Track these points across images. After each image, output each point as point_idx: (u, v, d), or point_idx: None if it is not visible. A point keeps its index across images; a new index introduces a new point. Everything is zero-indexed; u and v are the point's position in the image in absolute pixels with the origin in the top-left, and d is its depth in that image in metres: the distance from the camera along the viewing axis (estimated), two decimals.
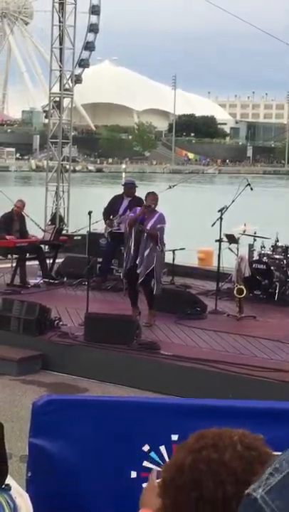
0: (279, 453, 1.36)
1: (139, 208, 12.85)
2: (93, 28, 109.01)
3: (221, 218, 14.11)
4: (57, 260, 16.98)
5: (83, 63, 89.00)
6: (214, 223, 14.25)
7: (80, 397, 8.33)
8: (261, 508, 1.02)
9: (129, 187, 15.72)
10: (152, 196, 13.00)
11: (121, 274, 13.27)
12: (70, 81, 22.23)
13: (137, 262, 12.49)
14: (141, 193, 14.22)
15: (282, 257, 15.25)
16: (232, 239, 14.87)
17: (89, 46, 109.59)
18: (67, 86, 22.06)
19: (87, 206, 14.72)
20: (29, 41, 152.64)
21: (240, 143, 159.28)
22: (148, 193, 13.16)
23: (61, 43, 21.70)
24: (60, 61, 21.76)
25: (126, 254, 12.89)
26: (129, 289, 13.02)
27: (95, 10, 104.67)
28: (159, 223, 12.57)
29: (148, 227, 12.51)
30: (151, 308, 12.74)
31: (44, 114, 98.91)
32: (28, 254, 16.16)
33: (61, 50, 21.76)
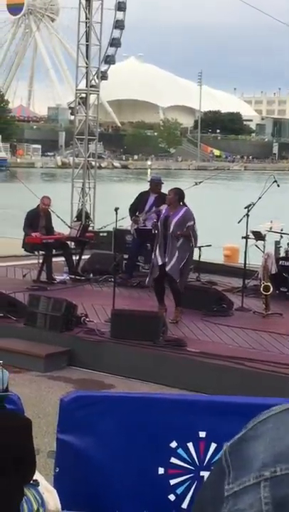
0: None
1: (165, 207, 12.81)
2: (119, 25, 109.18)
3: (247, 215, 14.07)
4: (83, 257, 17.00)
5: (109, 60, 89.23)
6: (241, 220, 14.21)
7: (107, 394, 8.35)
8: (220, 459, 1.06)
9: (156, 183, 15.73)
10: (171, 192, 12.96)
11: (148, 276, 13.19)
12: (96, 77, 22.25)
13: (166, 260, 12.45)
14: (167, 189, 14.21)
15: None
16: (258, 236, 14.82)
17: (115, 42, 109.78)
18: (93, 82, 22.07)
19: (112, 203, 14.73)
20: (55, 38, 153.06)
21: (265, 139, 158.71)
22: (169, 190, 13.15)
23: (87, 39, 21.72)
24: (87, 58, 21.77)
25: (153, 253, 12.84)
26: (156, 286, 13.01)
27: (120, 6, 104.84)
28: (186, 220, 12.51)
29: (173, 223, 12.47)
30: (178, 305, 12.73)
31: (70, 111, 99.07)
32: (54, 251, 16.19)
33: (87, 46, 21.77)
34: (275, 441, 1.00)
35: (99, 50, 22.49)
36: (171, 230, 12.44)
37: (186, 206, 12.73)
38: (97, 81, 22.32)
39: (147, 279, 13.20)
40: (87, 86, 21.97)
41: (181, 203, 12.76)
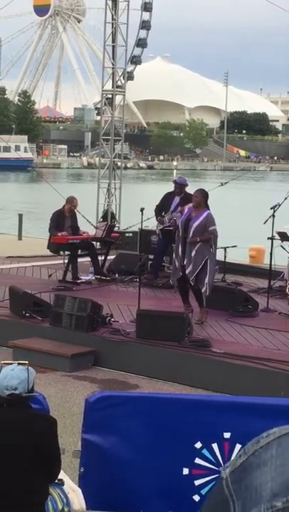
0: None
1: (188, 207, 12.78)
2: (145, 25, 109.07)
3: (273, 216, 14.03)
4: (108, 257, 17.03)
5: (135, 60, 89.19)
6: (266, 221, 14.17)
7: (132, 394, 8.37)
8: (222, 487, 1.01)
9: (179, 186, 15.70)
10: (198, 193, 12.91)
11: (171, 277, 13.18)
12: (122, 78, 22.28)
13: (185, 263, 12.45)
14: (192, 190, 14.19)
15: None
16: (284, 236, 14.78)
17: (141, 43, 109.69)
18: (119, 83, 22.11)
19: (138, 203, 14.74)
20: (81, 39, 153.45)
21: None
22: (195, 191, 13.11)
23: (114, 40, 21.76)
24: (113, 58, 21.82)
25: (175, 256, 12.84)
26: (180, 287, 13.00)
27: (147, 7, 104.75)
28: (208, 225, 12.46)
29: (193, 228, 12.43)
30: (202, 306, 12.72)
31: (96, 112, 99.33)
32: (79, 251, 16.23)
33: (114, 47, 21.81)
34: (281, 469, 0.97)
35: (125, 51, 22.52)
36: (191, 233, 12.41)
37: (209, 210, 12.69)
38: (123, 81, 22.36)
39: (171, 279, 13.20)
40: (113, 86, 22.01)
41: (205, 205, 12.73)
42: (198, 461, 5.95)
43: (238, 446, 5.91)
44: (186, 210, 12.71)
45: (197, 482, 5.95)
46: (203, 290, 12.45)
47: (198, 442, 5.95)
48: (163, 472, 5.98)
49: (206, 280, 12.46)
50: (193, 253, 12.39)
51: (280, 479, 0.96)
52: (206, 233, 12.41)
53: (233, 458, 1.02)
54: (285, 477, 0.96)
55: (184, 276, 12.58)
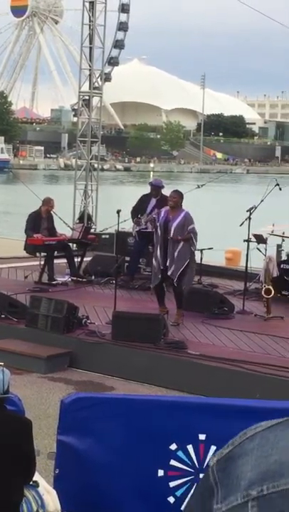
0: None
1: (164, 210, 12.81)
2: (123, 27, 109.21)
3: (249, 218, 14.08)
4: (85, 259, 17.03)
5: (113, 61, 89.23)
6: (243, 223, 14.22)
7: (108, 395, 8.36)
8: (209, 474, 1.04)
9: (155, 189, 15.73)
10: (173, 195, 12.96)
11: (152, 279, 13.18)
12: (99, 80, 22.27)
13: (167, 265, 12.46)
14: (168, 192, 14.20)
15: None
16: (260, 239, 14.83)
17: (118, 44, 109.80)
18: (96, 85, 22.10)
19: (115, 205, 14.75)
20: (59, 40, 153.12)
21: (268, 143, 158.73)
22: (171, 193, 13.16)
23: (91, 41, 21.74)
24: (90, 60, 21.80)
25: (154, 258, 12.84)
26: (156, 289, 13.02)
27: (124, 8, 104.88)
28: (187, 224, 12.51)
29: (173, 227, 12.47)
30: (179, 308, 12.74)
31: (73, 113, 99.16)
32: (56, 252, 16.21)
33: (91, 48, 21.79)
34: (260, 459, 0.99)
35: (102, 53, 22.51)
36: (171, 234, 12.45)
37: (185, 209, 12.74)
38: (100, 83, 22.35)
39: (152, 283, 13.19)
40: (90, 88, 21.99)
41: (181, 206, 12.78)
42: (173, 462, 5.96)
43: (213, 448, 5.93)
44: (162, 213, 12.72)
45: (172, 484, 5.96)
46: (184, 291, 12.50)
47: (174, 444, 5.96)
48: (138, 474, 5.98)
49: (185, 280, 12.51)
50: (176, 254, 12.41)
51: (258, 469, 0.98)
52: (186, 232, 12.44)
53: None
54: (262, 468, 0.98)
55: (163, 278, 12.60)
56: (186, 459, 5.95)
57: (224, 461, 1.02)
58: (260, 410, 5.87)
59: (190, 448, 5.94)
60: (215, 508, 0.99)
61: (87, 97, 22.21)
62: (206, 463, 5.93)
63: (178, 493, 5.97)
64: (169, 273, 12.42)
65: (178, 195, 12.89)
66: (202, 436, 5.95)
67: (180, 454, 5.95)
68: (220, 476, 1.01)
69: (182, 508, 5.91)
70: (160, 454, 5.98)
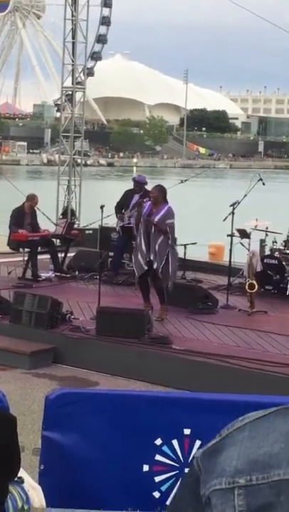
0: None
1: (148, 203, 12.82)
2: (105, 21, 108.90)
3: (232, 213, 14.09)
4: (68, 254, 17.01)
5: (96, 56, 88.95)
6: (226, 218, 14.24)
7: (93, 391, 8.35)
8: (193, 466, 1.05)
9: (138, 185, 15.74)
10: (155, 190, 12.98)
11: (136, 272, 13.18)
12: (82, 75, 22.22)
13: (151, 258, 12.47)
14: (151, 187, 14.20)
15: None
16: (244, 234, 14.86)
17: (101, 39, 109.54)
18: (79, 80, 22.05)
19: (98, 200, 14.74)
20: (41, 35, 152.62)
21: (251, 138, 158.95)
22: (153, 188, 13.19)
23: (74, 36, 21.68)
24: (73, 55, 21.75)
25: (136, 250, 12.87)
26: (141, 284, 13.02)
27: (106, 3, 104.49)
28: (167, 218, 12.52)
29: (156, 220, 12.49)
30: (162, 303, 12.75)
31: (56, 108, 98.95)
32: (39, 248, 16.18)
33: (73, 43, 21.74)
34: (250, 450, 0.99)
35: (85, 48, 22.47)
36: (153, 228, 12.46)
37: (168, 203, 12.74)
38: (83, 78, 22.30)
39: (136, 274, 13.20)
40: (73, 83, 21.94)
41: (164, 201, 12.78)
42: (158, 457, 5.96)
43: (198, 443, 5.94)
44: (146, 207, 12.73)
45: (157, 479, 5.97)
46: (168, 286, 12.50)
47: (159, 439, 5.96)
48: (123, 469, 5.98)
49: (170, 274, 12.52)
50: (156, 247, 12.42)
51: (247, 459, 0.98)
52: (164, 225, 12.44)
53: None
54: (251, 458, 0.98)
55: (147, 272, 12.61)
56: (171, 454, 5.96)
57: (210, 452, 1.03)
58: (245, 405, 5.89)
59: (175, 443, 5.95)
60: (201, 494, 1.00)
61: (70, 92, 22.16)
62: (191, 458, 5.94)
63: (163, 488, 5.97)
64: (155, 266, 12.43)
65: (157, 191, 12.91)
66: (187, 431, 5.95)
67: (165, 448, 5.96)
68: (204, 464, 1.02)
69: (168, 503, 5.91)
70: (145, 449, 5.98)
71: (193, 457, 1.06)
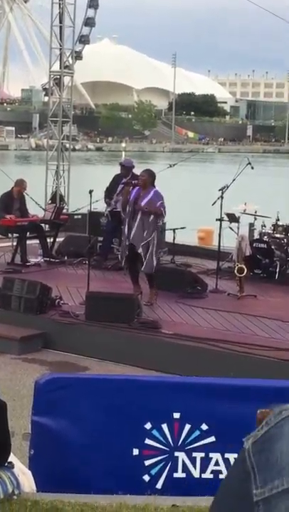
0: None
1: (136, 188, 12.78)
2: (93, 4, 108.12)
3: (221, 197, 14.08)
4: (57, 239, 16.98)
5: (84, 39, 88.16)
6: (215, 202, 14.23)
7: (83, 376, 8.37)
8: (244, 459, 1.01)
9: (125, 168, 15.71)
10: (144, 173, 12.96)
11: (120, 256, 13.19)
12: (70, 59, 22.12)
13: (135, 243, 12.45)
14: (140, 171, 14.17)
15: (282, 236, 15.25)
16: (233, 218, 14.85)
17: (89, 22, 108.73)
18: (67, 63, 21.94)
19: (87, 185, 14.70)
20: (28, 19, 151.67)
21: (240, 121, 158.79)
22: (142, 172, 13.16)
23: (61, 21, 21.56)
24: (60, 39, 21.63)
25: (123, 236, 12.87)
26: (130, 268, 13.02)
27: None
28: (156, 200, 12.49)
29: (143, 204, 12.46)
30: (152, 287, 12.75)
31: (44, 93, 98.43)
32: (28, 233, 16.15)
33: (61, 27, 21.62)
34: None
35: (73, 32, 22.35)
36: (139, 214, 12.44)
37: (155, 187, 12.72)
38: (71, 62, 22.20)
39: (120, 259, 13.21)
40: (61, 68, 21.83)
41: (152, 185, 12.75)
42: (148, 441, 5.98)
43: (187, 426, 5.96)
44: (134, 191, 12.70)
45: (147, 462, 5.99)
46: (154, 264, 12.49)
47: (148, 423, 5.98)
48: (113, 453, 6.00)
49: (154, 256, 12.49)
50: (142, 232, 12.38)
51: None
52: (156, 208, 12.40)
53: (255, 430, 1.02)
54: None
55: (133, 256, 12.60)
56: (161, 438, 5.98)
57: (260, 444, 0.99)
58: (234, 389, 5.90)
59: (164, 427, 5.97)
60: (255, 493, 0.96)
61: (58, 77, 22.06)
62: (180, 441, 5.96)
63: (153, 472, 6.00)
64: (139, 251, 12.43)
65: (147, 174, 12.88)
66: (176, 415, 5.97)
67: (155, 432, 5.98)
68: (256, 460, 0.98)
69: (157, 486, 5.94)
70: (135, 433, 6.00)
71: (244, 449, 1.02)
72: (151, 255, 12.46)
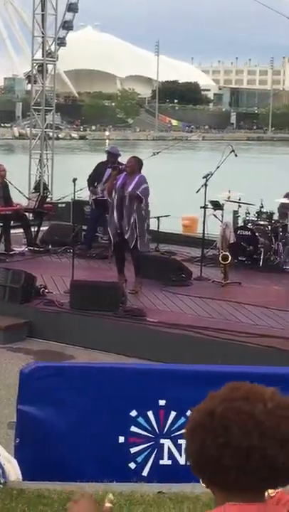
0: None
1: (122, 175, 12.78)
2: None
3: (205, 185, 14.08)
4: (41, 228, 16.94)
5: (67, 25, 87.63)
6: (199, 190, 14.23)
7: (68, 364, 8.36)
8: None
9: (112, 156, 15.69)
10: (132, 159, 12.96)
11: (110, 242, 13.20)
12: (52, 47, 22.02)
13: (123, 229, 12.46)
14: (125, 160, 14.15)
15: (266, 223, 15.28)
16: (217, 205, 14.86)
17: (72, 7, 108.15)
18: (50, 51, 21.83)
19: (71, 174, 14.67)
20: (10, 6, 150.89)
21: (223, 109, 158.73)
22: (129, 158, 13.15)
23: (43, 8, 21.45)
24: (43, 27, 21.53)
25: (109, 222, 12.87)
26: (117, 255, 13.01)
27: None
28: (141, 185, 12.50)
29: (128, 191, 12.46)
30: (137, 276, 12.75)
31: (27, 81, 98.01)
32: (12, 222, 16.10)
33: (43, 15, 21.51)
34: None
35: (55, 20, 22.24)
36: (127, 198, 12.44)
37: (141, 174, 12.71)
38: (53, 49, 22.09)
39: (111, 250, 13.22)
40: (43, 56, 21.74)
41: (138, 172, 12.74)
42: (133, 429, 6.00)
43: (172, 414, 5.98)
44: (121, 178, 12.69)
45: (133, 450, 6.01)
46: (148, 242, 12.53)
47: (134, 411, 5.99)
48: (99, 441, 6.01)
49: (146, 236, 12.53)
50: (130, 219, 12.39)
51: None
52: (139, 192, 12.40)
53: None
54: None
55: (121, 243, 12.60)
56: (147, 425, 5.99)
57: None
58: (219, 376, 5.91)
59: (150, 414, 5.98)
60: None
61: (40, 64, 21.95)
62: (166, 428, 5.98)
63: (139, 459, 6.02)
64: (126, 237, 12.43)
65: (134, 160, 12.88)
66: (162, 402, 5.99)
67: (140, 420, 5.99)
68: None
69: (143, 473, 5.96)
70: (120, 420, 6.02)
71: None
72: (142, 235, 12.49)
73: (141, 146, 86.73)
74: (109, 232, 12.98)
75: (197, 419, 1.85)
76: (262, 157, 76.38)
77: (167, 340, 10.49)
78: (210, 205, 14.69)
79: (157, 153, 19.89)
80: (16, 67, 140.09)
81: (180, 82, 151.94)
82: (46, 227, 17.09)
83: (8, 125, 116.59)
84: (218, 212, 14.80)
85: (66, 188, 16.92)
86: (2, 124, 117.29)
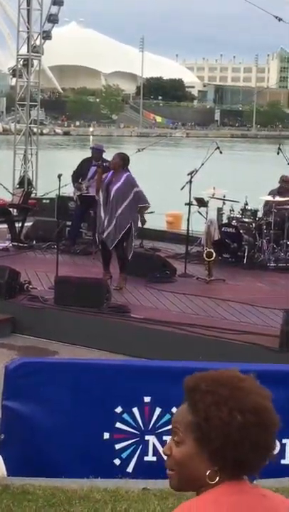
0: None
1: (110, 172, 12.75)
2: None
3: (190, 182, 14.09)
4: (26, 224, 16.90)
5: (53, 18, 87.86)
6: (183, 186, 14.24)
7: (53, 360, 8.36)
8: None
9: (96, 152, 15.69)
10: (116, 156, 12.92)
11: (97, 239, 13.16)
12: (37, 42, 21.98)
13: (106, 227, 12.43)
14: (109, 156, 14.14)
15: (251, 220, 15.31)
16: (201, 202, 14.87)
17: (58, 1, 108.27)
18: (35, 46, 21.79)
19: (55, 169, 14.66)
20: None
21: (207, 106, 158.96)
22: (114, 155, 13.11)
23: (28, 3, 21.41)
24: (28, 22, 21.49)
25: (98, 220, 12.83)
26: (102, 251, 12.99)
27: None
28: (128, 187, 12.45)
29: (114, 190, 12.42)
30: (122, 272, 12.74)
31: (11, 77, 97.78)
32: None
33: (28, 10, 21.47)
34: None
35: (40, 15, 22.20)
36: (111, 196, 12.42)
37: (129, 172, 12.69)
38: (38, 44, 22.05)
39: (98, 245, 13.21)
40: (28, 51, 21.69)
41: (124, 169, 12.70)
42: (118, 425, 6.00)
43: (158, 410, 5.98)
44: (108, 176, 12.67)
45: (118, 446, 6.01)
46: (128, 256, 12.51)
47: (119, 407, 6.00)
48: (84, 437, 6.02)
49: (130, 244, 12.52)
50: (114, 217, 12.36)
51: None
52: (132, 195, 12.37)
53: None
54: None
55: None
56: (132, 422, 6.00)
57: None
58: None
59: (135, 410, 5.99)
60: None
61: (25, 60, 21.91)
62: (151, 425, 5.99)
63: (124, 455, 6.02)
64: (104, 235, 12.42)
65: (118, 157, 12.83)
66: (147, 399, 6.00)
67: (125, 416, 6.00)
68: None
69: (128, 469, 5.96)
70: (105, 417, 6.02)
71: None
72: (131, 239, 12.51)
73: (125, 142, 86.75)
74: (97, 229, 12.95)
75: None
76: (246, 154, 76.53)
77: (152, 337, 10.49)
78: (194, 202, 14.69)
79: (142, 149, 19.88)
80: (0, 63, 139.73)
81: (164, 78, 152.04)
82: (30, 223, 17.06)
83: None
84: (203, 209, 14.81)
85: (51, 184, 16.89)
86: None
